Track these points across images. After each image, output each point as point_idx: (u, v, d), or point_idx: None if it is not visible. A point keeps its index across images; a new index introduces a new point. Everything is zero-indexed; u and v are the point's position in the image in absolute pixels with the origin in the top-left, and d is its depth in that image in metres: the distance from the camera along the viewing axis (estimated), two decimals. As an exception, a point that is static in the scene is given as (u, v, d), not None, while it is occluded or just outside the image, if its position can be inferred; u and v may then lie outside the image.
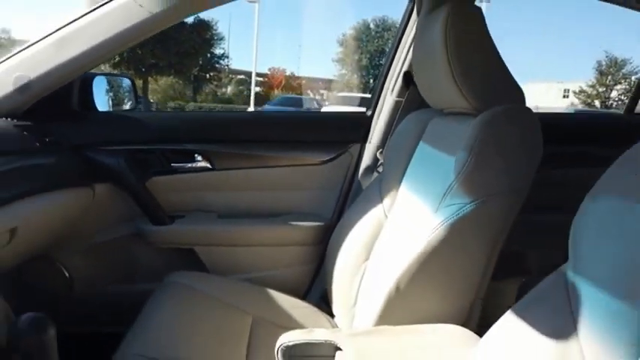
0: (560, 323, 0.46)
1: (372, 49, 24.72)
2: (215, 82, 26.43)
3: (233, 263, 1.38)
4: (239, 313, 1.16)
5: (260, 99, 23.55)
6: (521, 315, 0.52)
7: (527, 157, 0.86)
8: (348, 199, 1.44)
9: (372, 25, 25.16)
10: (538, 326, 0.48)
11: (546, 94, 26.43)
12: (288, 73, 28.61)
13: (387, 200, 1.14)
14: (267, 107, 18.11)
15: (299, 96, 21.10)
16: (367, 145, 1.45)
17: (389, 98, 1.41)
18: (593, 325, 0.43)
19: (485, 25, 0.93)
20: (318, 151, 1.43)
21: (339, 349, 0.75)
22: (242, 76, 27.26)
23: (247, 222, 1.40)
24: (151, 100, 20.66)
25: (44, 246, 1.25)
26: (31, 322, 0.64)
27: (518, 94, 0.93)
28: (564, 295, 0.47)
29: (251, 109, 19.44)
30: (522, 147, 0.86)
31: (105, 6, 1.12)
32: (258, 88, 25.59)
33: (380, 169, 1.37)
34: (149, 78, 20.39)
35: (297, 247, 1.40)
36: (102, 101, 1.44)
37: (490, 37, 0.92)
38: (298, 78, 28.81)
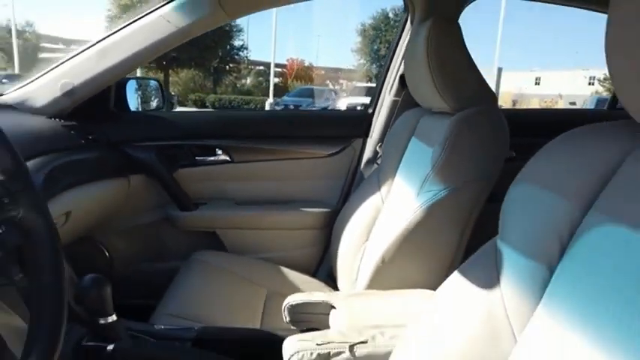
0: (487, 277, 0.63)
1: (390, 39, 24.48)
2: (234, 74, 26.60)
3: (249, 244, 1.56)
4: (255, 286, 1.33)
5: (279, 90, 23.66)
6: (463, 272, 0.68)
7: (495, 150, 1.01)
8: (351, 188, 1.61)
9: (390, 15, 24.95)
10: (473, 280, 0.65)
11: (572, 81, 25.92)
12: (306, 63, 28.66)
13: (384, 188, 1.30)
14: (285, 98, 18.25)
15: (317, 87, 21.18)
16: (368, 139, 1.61)
17: (387, 97, 1.57)
18: (510, 278, 0.59)
19: (462, 38, 1.08)
20: (325, 145, 1.60)
21: (334, 307, 0.92)
22: (261, 67, 27.37)
23: (262, 208, 1.58)
24: (172, 93, 21.01)
25: (89, 229, 1.45)
26: (92, 280, 0.83)
27: (491, 97, 1.08)
28: (493, 257, 0.63)
29: (270, 100, 19.61)
30: (490, 142, 1.01)
31: (138, 22, 1.30)
32: (277, 79, 25.70)
33: (379, 161, 1.53)
34: (170, 71, 20.71)
35: (306, 231, 1.58)
36: (133, 102, 1.63)
37: (466, 49, 1.07)
38: (317, 68, 28.84)
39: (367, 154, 1.60)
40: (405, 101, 1.51)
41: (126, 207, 1.51)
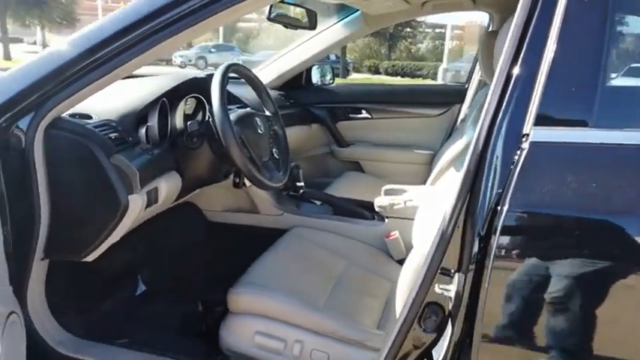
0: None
1: None
2: (409, 39, 26.89)
3: (378, 171, 2.47)
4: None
5: (454, 54, 23.28)
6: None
7: None
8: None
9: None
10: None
11: None
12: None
13: (465, 138, 2.06)
14: (458, 64, 18.15)
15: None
16: (463, 105, 2.35)
17: (475, 76, 2.28)
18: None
19: None
20: (433, 109, 2.40)
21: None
22: (441, 30, 26.84)
23: (388, 147, 2.47)
24: (348, 60, 22.49)
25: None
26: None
27: None
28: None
29: (444, 65, 19.62)
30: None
31: (319, 34, 2.27)
32: (452, 43, 25.10)
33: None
34: (348, 39, 22.00)
35: (414, 165, 2.41)
36: (316, 79, 2.64)
37: None
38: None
39: (461, 115, 2.34)
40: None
41: (307, 143, 2.55)
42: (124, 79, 1.52)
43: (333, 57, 21.56)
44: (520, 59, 0.82)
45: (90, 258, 1.19)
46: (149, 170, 1.22)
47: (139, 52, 1.05)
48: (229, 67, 1.36)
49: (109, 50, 1.04)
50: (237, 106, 1.69)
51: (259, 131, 1.41)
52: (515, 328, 0.83)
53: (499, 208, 0.78)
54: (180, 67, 19.12)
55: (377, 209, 1.70)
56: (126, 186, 1.14)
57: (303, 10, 1.72)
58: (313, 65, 2.59)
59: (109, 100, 1.29)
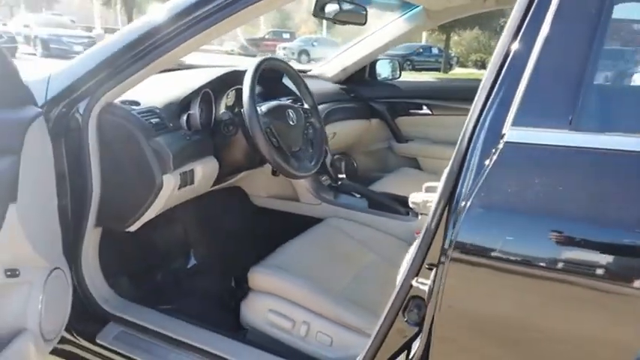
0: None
1: None
2: (521, 32, 25.10)
3: (435, 167, 2.42)
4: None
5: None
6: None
7: None
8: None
9: None
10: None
11: None
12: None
13: None
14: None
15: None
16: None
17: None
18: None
19: None
20: None
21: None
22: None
23: (446, 145, 2.40)
24: (452, 54, 21.70)
25: (347, 147, 2.56)
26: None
27: None
28: None
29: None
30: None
31: (383, 28, 2.28)
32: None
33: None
34: (452, 33, 21.35)
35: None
36: (380, 73, 2.65)
37: None
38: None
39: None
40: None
41: (366, 137, 2.58)
42: (174, 71, 1.69)
43: (435, 50, 20.97)
44: (509, 58, 0.81)
45: (132, 228, 1.36)
46: (184, 154, 1.36)
47: (176, 45, 1.18)
48: (263, 62, 1.46)
49: (150, 43, 1.18)
50: (288, 98, 1.78)
51: (291, 122, 1.49)
52: (468, 330, 0.82)
53: (464, 205, 0.78)
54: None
55: (410, 205, 1.69)
56: (161, 166, 1.29)
57: (351, 5, 1.75)
58: (378, 59, 2.60)
59: (157, 90, 1.45)
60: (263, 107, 1.43)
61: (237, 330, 1.41)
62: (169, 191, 1.32)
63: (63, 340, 1.32)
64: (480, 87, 0.85)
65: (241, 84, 1.61)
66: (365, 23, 1.84)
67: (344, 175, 1.88)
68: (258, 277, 1.36)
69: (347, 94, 2.45)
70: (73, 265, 1.32)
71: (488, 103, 0.83)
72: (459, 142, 0.85)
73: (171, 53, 1.20)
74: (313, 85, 2.38)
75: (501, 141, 0.80)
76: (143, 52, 1.19)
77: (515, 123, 0.79)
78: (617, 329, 0.72)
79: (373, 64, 2.57)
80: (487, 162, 0.80)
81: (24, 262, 1.03)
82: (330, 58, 2.54)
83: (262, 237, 1.88)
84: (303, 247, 1.52)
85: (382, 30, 2.29)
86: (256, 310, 1.36)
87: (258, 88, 1.88)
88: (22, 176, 0.97)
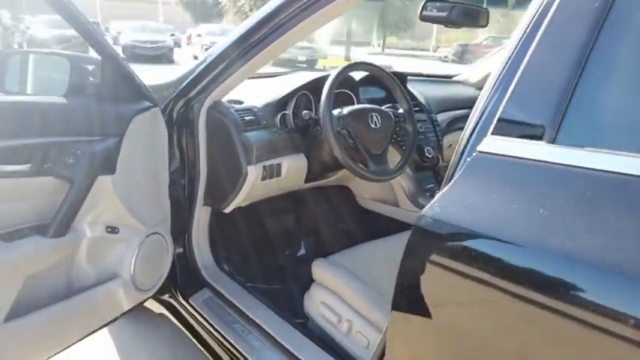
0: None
1: None
2: None
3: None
4: None
5: None
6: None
7: None
8: None
9: None
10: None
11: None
12: None
13: None
14: None
15: None
16: None
17: None
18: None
19: None
20: None
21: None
22: None
23: None
24: None
25: None
26: None
27: None
28: None
29: None
30: None
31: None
32: None
33: None
34: None
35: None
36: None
37: None
38: None
39: None
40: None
41: None
42: (280, 75, 1.87)
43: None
44: (508, 63, 0.76)
45: (227, 210, 1.59)
46: (270, 149, 1.52)
47: (265, 46, 1.31)
48: (350, 66, 1.51)
49: (245, 47, 1.34)
50: (414, 103, 1.75)
51: (372, 126, 1.50)
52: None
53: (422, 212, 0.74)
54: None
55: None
56: (247, 158, 1.47)
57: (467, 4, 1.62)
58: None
59: (261, 91, 1.65)
60: (344, 110, 1.49)
61: (298, 318, 1.51)
62: (252, 181, 1.50)
63: (167, 294, 1.63)
64: (483, 89, 0.80)
65: (343, 87, 1.69)
66: (486, 25, 1.70)
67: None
68: (318, 270, 1.43)
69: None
70: (185, 235, 1.61)
71: (484, 106, 0.77)
72: (457, 146, 0.80)
73: (263, 53, 1.33)
74: (451, 91, 2.30)
75: (475, 150, 0.73)
76: (242, 53, 1.35)
77: (496, 131, 0.73)
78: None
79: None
80: (457, 173, 0.74)
81: (122, 223, 1.32)
82: (479, 63, 2.40)
83: (363, 238, 1.92)
84: (374, 250, 1.52)
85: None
86: (312, 301, 1.43)
87: (380, 93, 1.94)
88: (122, 155, 1.26)
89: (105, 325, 1.36)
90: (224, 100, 1.57)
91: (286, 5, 1.22)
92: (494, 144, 0.71)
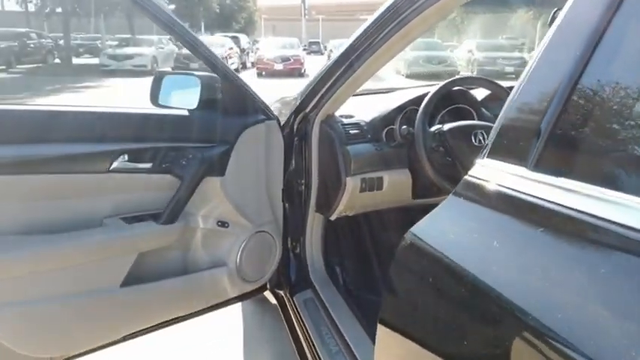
0: None
1: None
2: None
3: None
4: None
5: None
6: None
7: None
8: None
9: None
10: None
11: None
12: None
13: None
14: None
15: None
16: None
17: None
18: None
19: None
20: None
21: None
22: None
23: None
24: None
25: None
26: None
27: None
28: None
29: None
30: None
31: None
32: None
33: None
34: None
35: None
36: None
37: None
38: None
39: None
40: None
41: None
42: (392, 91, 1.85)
43: None
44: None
45: (332, 217, 1.67)
46: (369, 162, 1.55)
47: (369, 56, 1.33)
48: (455, 81, 1.43)
49: (350, 61, 1.39)
50: None
51: (475, 143, 1.40)
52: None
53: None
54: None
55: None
56: (347, 169, 1.54)
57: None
58: None
59: (371, 107, 1.68)
60: (445, 126, 1.42)
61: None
62: (350, 192, 1.55)
63: (280, 287, 1.79)
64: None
65: (449, 103, 1.62)
66: None
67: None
68: None
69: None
70: (301, 237, 1.76)
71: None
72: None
73: (364, 66, 1.35)
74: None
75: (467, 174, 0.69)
76: (345, 68, 1.41)
77: (491, 152, 0.70)
78: None
79: None
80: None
81: (231, 220, 1.52)
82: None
83: None
84: None
85: None
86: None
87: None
88: (232, 161, 1.46)
89: (210, 309, 1.57)
90: (337, 113, 1.65)
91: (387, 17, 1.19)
92: (481, 170, 0.66)
